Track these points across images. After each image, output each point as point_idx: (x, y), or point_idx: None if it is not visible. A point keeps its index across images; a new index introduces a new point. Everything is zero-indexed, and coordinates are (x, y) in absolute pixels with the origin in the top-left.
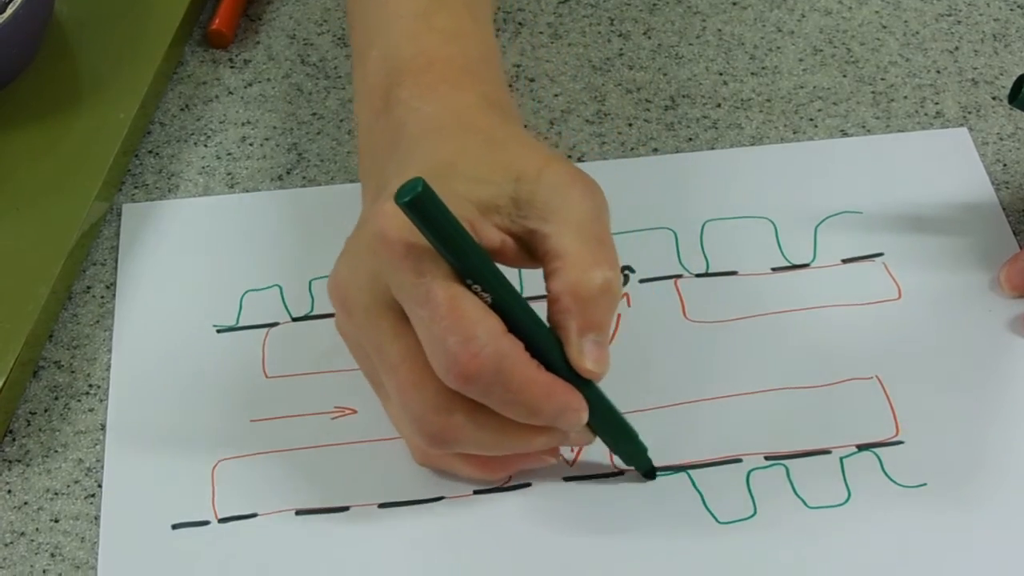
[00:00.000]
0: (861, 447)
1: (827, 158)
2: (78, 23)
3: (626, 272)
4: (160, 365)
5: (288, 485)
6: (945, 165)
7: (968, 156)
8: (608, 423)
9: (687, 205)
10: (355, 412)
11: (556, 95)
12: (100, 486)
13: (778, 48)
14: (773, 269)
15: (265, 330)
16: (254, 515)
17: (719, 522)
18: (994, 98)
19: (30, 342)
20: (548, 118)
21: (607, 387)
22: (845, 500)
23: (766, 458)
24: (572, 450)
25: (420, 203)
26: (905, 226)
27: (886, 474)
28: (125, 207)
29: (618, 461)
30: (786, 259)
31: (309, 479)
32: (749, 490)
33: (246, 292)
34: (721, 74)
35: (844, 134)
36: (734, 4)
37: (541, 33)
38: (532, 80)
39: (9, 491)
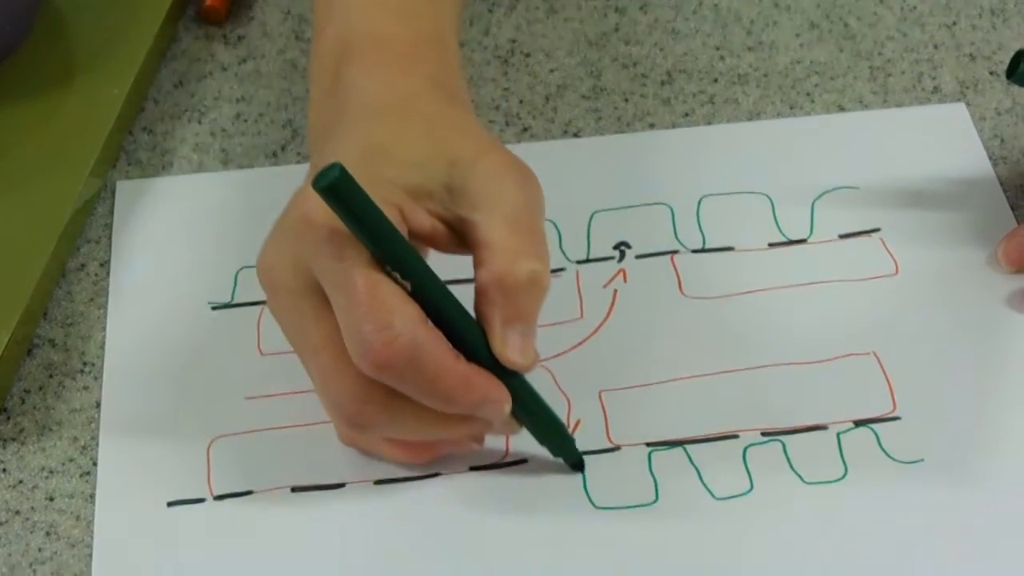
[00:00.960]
0: (858, 423)
1: (824, 133)
2: (72, 0)
3: (622, 248)
4: (155, 343)
5: (284, 462)
6: (942, 140)
7: (966, 131)
8: (534, 415)
9: (683, 181)
10: None
11: (552, 70)
12: (95, 464)
13: (775, 23)
14: (770, 245)
15: (260, 307)
16: (250, 492)
17: (715, 498)
18: (992, 73)
19: (24, 320)
20: (544, 93)
21: (603, 365)
22: (842, 476)
23: (763, 434)
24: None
25: (337, 189)
26: (902, 201)
27: (883, 450)
28: (119, 184)
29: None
30: (783, 235)
31: (305, 456)
32: (746, 466)
33: (241, 269)
34: (718, 49)
35: (841, 109)
36: None
37: (537, 8)
38: (528, 55)
39: (4, 470)
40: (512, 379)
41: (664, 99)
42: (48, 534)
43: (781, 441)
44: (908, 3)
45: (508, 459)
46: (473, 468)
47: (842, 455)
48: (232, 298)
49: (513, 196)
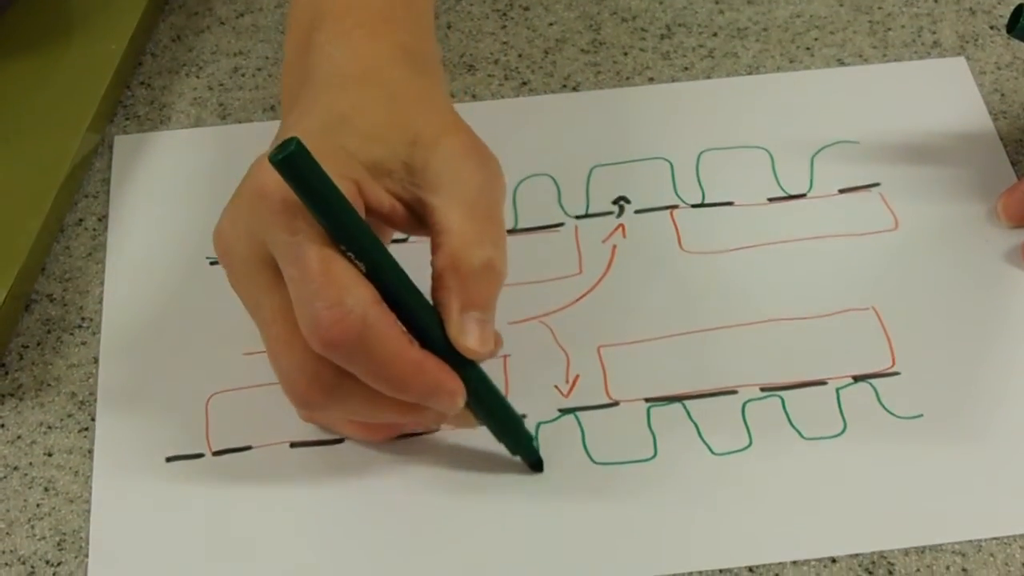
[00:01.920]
0: (857, 378)
1: (824, 88)
2: None
3: (621, 203)
4: (153, 298)
5: (283, 417)
6: (942, 95)
7: (966, 86)
8: (491, 409)
9: (683, 135)
10: None
11: (551, 24)
12: (93, 420)
13: None
14: (769, 199)
15: None
16: (248, 448)
17: (714, 453)
18: (992, 27)
19: (22, 275)
20: (543, 47)
21: (601, 321)
22: (841, 431)
23: (762, 389)
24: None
25: (293, 164)
26: (902, 156)
27: (882, 405)
28: (117, 139)
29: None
30: (782, 189)
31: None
32: (744, 421)
33: None
34: (717, 3)
35: (841, 63)
36: None
37: None
38: (526, 9)
39: (2, 425)
40: (468, 370)
41: (663, 53)
42: (47, 490)
43: (780, 396)
44: None
45: None
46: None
47: (841, 410)
48: None
49: (472, 181)
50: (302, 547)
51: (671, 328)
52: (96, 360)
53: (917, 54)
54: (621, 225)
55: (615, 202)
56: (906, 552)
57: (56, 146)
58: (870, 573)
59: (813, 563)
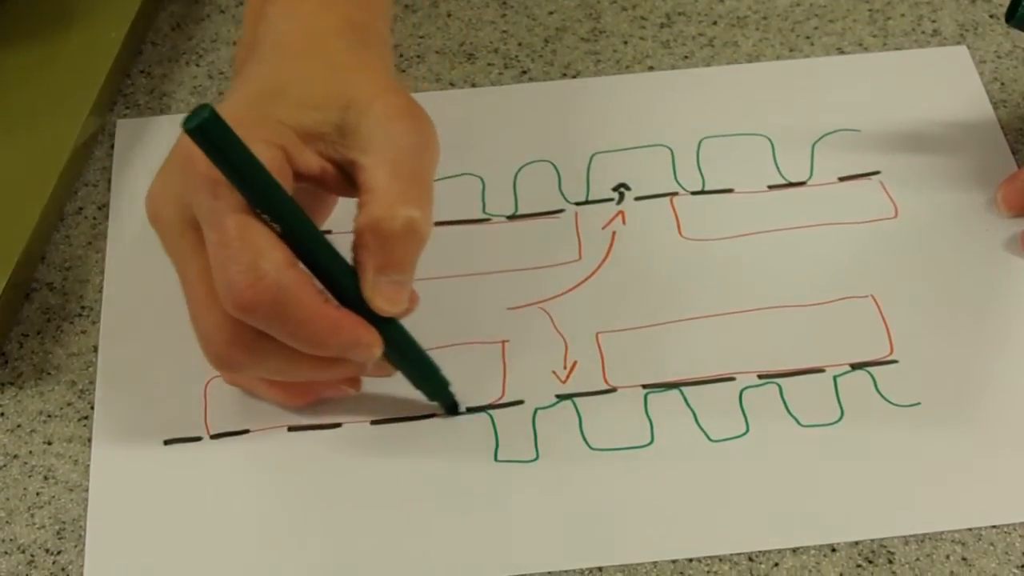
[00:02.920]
0: (855, 366)
1: (824, 76)
2: None
3: (621, 189)
4: (152, 286)
5: None
6: (943, 83)
7: (966, 74)
8: (408, 358)
9: (683, 122)
10: None
11: (551, 12)
12: (93, 408)
13: None
14: (769, 187)
15: None
16: (246, 431)
17: (711, 440)
18: (992, 16)
19: (22, 264)
20: (543, 36)
21: (600, 307)
22: (838, 419)
23: (759, 376)
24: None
25: (204, 130)
26: (902, 144)
27: (880, 393)
28: (119, 123)
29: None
30: (783, 177)
31: None
32: (742, 408)
33: None
34: None
35: (841, 52)
36: None
37: None
38: None
39: (2, 414)
40: (385, 323)
41: (663, 42)
42: (46, 478)
43: (777, 384)
44: None
45: (503, 400)
46: (471, 409)
47: (838, 398)
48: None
49: (401, 140)
50: (300, 530)
51: (669, 315)
52: (96, 349)
53: (917, 43)
54: (621, 212)
55: (615, 189)
56: (906, 540)
57: (56, 134)
58: (870, 562)
59: (812, 551)
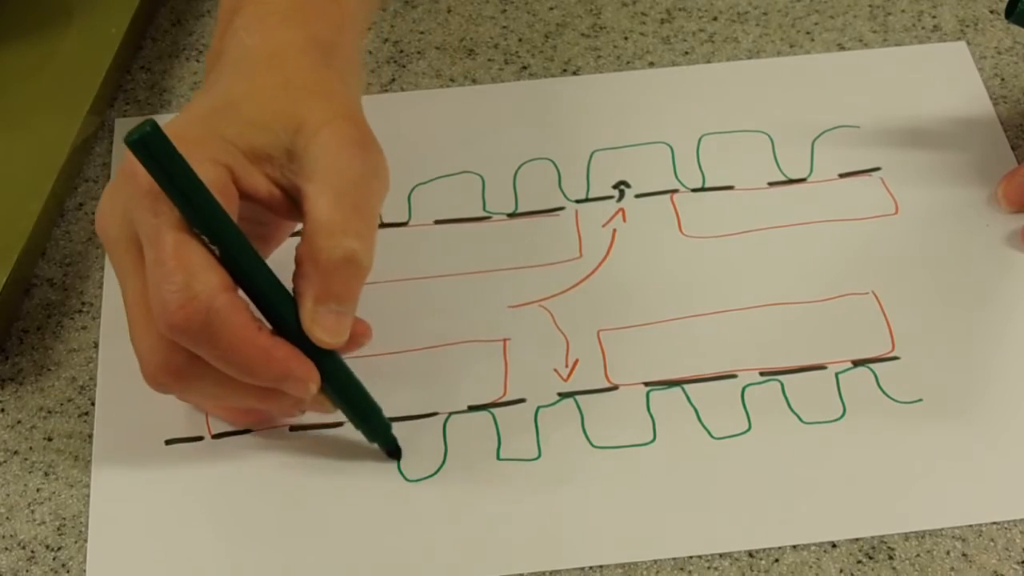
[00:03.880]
0: (857, 363)
1: (824, 72)
2: None
3: (622, 187)
4: None
5: None
6: (943, 79)
7: (966, 70)
8: (347, 397)
9: (683, 119)
10: None
11: (551, 8)
12: (93, 404)
13: None
14: (770, 184)
15: None
16: (248, 431)
17: (713, 437)
18: (992, 12)
19: (22, 260)
20: (543, 32)
21: (601, 305)
22: (840, 416)
23: (761, 374)
24: None
25: (145, 145)
26: (902, 141)
27: (882, 390)
28: (118, 121)
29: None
30: (783, 173)
31: None
32: (744, 406)
33: None
34: None
35: (841, 48)
36: None
37: None
38: None
39: (2, 410)
40: (324, 358)
41: (664, 37)
42: (47, 474)
43: (779, 381)
44: None
45: (505, 399)
46: (472, 408)
47: (840, 395)
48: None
49: (348, 170)
50: (301, 530)
51: (671, 312)
52: (96, 345)
53: (917, 39)
54: (621, 209)
55: (615, 186)
56: (906, 537)
57: (56, 130)
58: (870, 558)
59: (813, 548)
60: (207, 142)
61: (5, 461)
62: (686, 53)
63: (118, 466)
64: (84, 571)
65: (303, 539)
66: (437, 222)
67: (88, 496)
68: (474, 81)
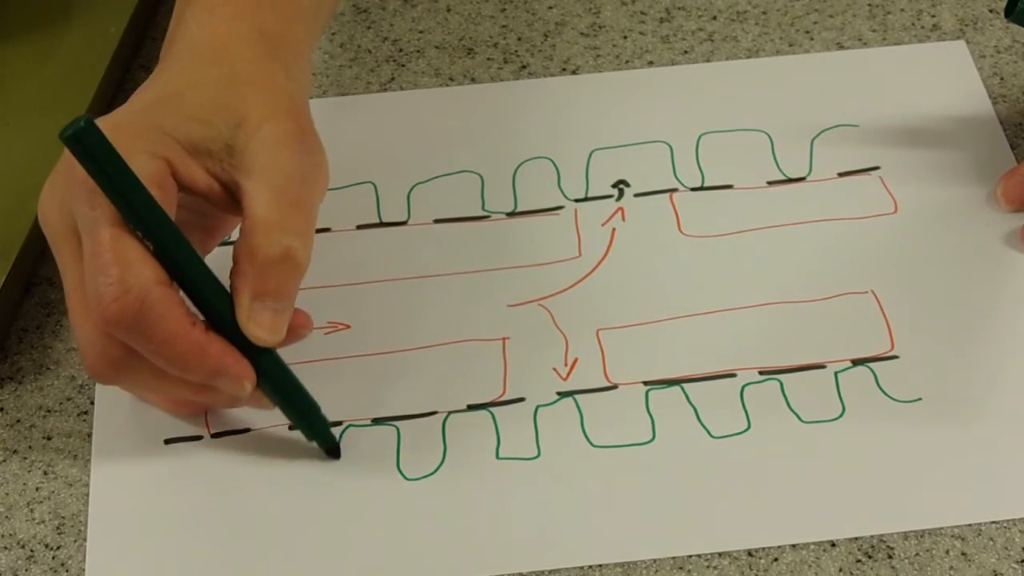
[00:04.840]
0: (856, 362)
1: (823, 71)
2: None
3: (621, 186)
4: None
5: None
6: (942, 78)
7: (965, 69)
8: (284, 394)
9: (682, 118)
10: (348, 327)
11: (550, 7)
12: (92, 403)
13: None
14: (769, 183)
15: None
16: (247, 430)
17: (713, 436)
18: (991, 11)
19: (22, 259)
20: (542, 31)
21: (601, 304)
22: (839, 415)
23: (760, 373)
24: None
25: (79, 140)
26: (902, 140)
27: (881, 389)
28: None
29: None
30: (782, 172)
31: None
32: (743, 405)
33: None
34: None
35: (840, 47)
36: None
37: None
38: None
39: (1, 408)
40: (261, 354)
41: (663, 36)
42: (46, 473)
43: (779, 380)
44: None
45: (504, 398)
46: (471, 407)
47: (840, 394)
48: (230, 235)
49: (287, 167)
50: (300, 529)
51: (670, 311)
52: None
53: (917, 38)
54: (620, 208)
55: (615, 185)
56: (905, 536)
57: (55, 129)
58: (869, 557)
59: (812, 547)
60: (146, 134)
61: (4, 460)
62: (685, 52)
63: (117, 465)
64: (83, 570)
65: (302, 538)
66: (436, 221)
67: (87, 495)
68: (473, 80)
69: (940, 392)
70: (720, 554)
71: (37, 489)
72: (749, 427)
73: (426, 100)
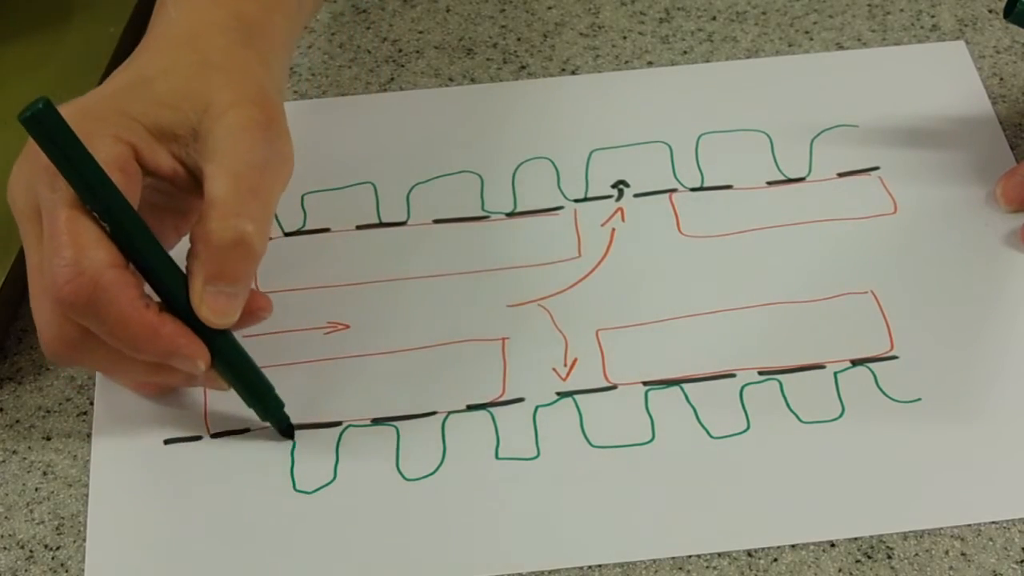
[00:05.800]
0: (855, 362)
1: (823, 71)
2: None
3: (620, 186)
4: None
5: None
6: (942, 79)
7: (965, 70)
8: (238, 375)
9: (682, 119)
10: (348, 327)
11: (550, 8)
12: (92, 404)
13: None
14: (768, 183)
15: None
16: (246, 430)
17: (712, 437)
18: (991, 11)
19: (22, 259)
20: (542, 31)
21: (600, 304)
22: (839, 415)
23: (760, 373)
24: None
25: (38, 121)
26: (901, 140)
27: (880, 389)
28: None
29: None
30: (782, 173)
31: (301, 394)
32: (743, 405)
33: None
34: None
35: (840, 47)
36: None
37: None
38: None
39: (1, 409)
40: (215, 336)
41: (663, 37)
42: (45, 474)
43: (778, 380)
44: None
45: (504, 398)
46: (471, 407)
47: (839, 394)
48: None
49: (248, 154)
50: (300, 529)
51: (670, 312)
52: None
53: (916, 38)
54: (620, 209)
55: (614, 186)
56: (905, 536)
57: None
58: (869, 557)
59: (812, 547)
60: (113, 118)
61: (4, 460)
62: (685, 52)
63: (117, 466)
64: (83, 570)
65: (302, 538)
66: (436, 221)
67: (87, 495)
68: (473, 80)
69: (940, 392)
70: (720, 554)
71: (36, 489)
72: (749, 427)
73: (425, 100)
